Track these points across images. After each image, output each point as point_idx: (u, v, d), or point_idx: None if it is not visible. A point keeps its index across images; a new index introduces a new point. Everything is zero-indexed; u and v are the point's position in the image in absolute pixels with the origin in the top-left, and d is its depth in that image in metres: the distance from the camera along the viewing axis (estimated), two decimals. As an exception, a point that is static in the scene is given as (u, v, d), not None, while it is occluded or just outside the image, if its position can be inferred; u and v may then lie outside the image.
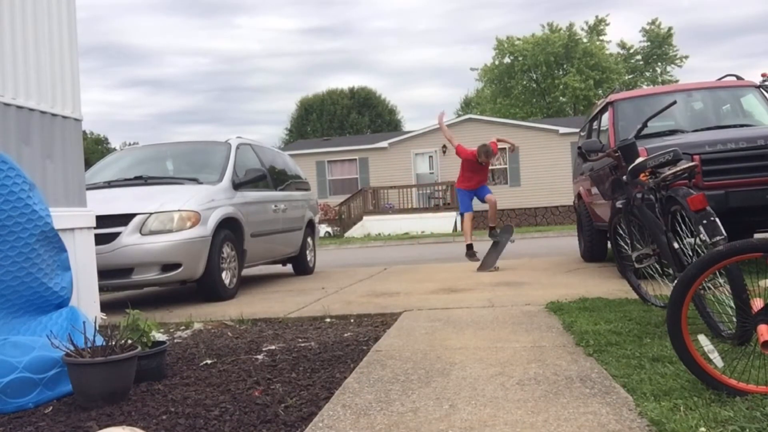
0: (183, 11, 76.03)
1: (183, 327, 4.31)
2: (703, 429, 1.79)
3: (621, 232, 4.16)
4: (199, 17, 76.46)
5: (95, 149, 40.48)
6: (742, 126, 5.86)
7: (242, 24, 75.81)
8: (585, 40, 43.04)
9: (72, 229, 4.05)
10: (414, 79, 79.96)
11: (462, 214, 8.29)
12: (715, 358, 2.32)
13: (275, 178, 7.66)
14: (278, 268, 9.01)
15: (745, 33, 65.17)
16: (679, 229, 3.39)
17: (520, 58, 42.46)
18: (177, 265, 5.40)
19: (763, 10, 58.50)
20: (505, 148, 19.87)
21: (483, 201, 8.14)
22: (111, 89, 73.86)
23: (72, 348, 2.54)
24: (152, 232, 5.38)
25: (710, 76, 60.29)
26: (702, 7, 63.29)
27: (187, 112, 79.99)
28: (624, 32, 77.32)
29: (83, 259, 4.14)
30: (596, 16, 47.35)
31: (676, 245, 3.38)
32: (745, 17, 63.40)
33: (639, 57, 45.39)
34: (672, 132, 5.87)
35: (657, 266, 3.78)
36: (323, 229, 22.66)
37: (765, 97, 6.27)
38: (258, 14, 75.78)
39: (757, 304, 2.22)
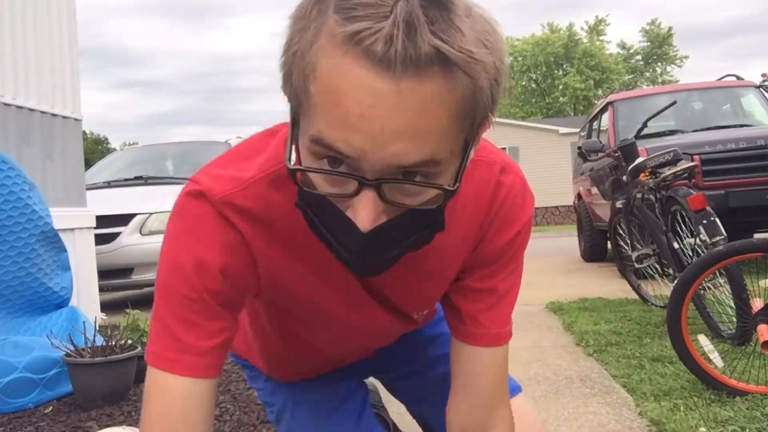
0: (174, 13, 76.04)
1: (183, 327, 4.31)
2: (703, 429, 1.79)
3: (621, 232, 4.16)
4: (190, 19, 76.50)
5: (95, 149, 40.40)
6: (742, 126, 5.86)
7: (233, 26, 76.22)
8: (585, 41, 43.02)
9: (72, 229, 4.05)
10: (413, 79, 79.86)
11: None
12: (715, 358, 2.33)
13: (275, 178, 7.65)
14: (278, 268, 8.99)
15: (734, 34, 65.41)
16: (679, 229, 3.39)
17: (520, 59, 42.44)
18: (177, 265, 5.40)
19: (747, 13, 58.72)
20: None
21: None
22: (104, 91, 73.80)
23: (72, 348, 2.54)
24: (152, 232, 5.38)
25: (705, 76, 60.30)
26: (697, 9, 63.44)
27: (181, 113, 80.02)
28: (624, 32, 77.43)
29: (83, 259, 4.14)
30: (596, 16, 47.42)
31: (676, 245, 3.37)
32: (736, 19, 63.62)
33: (639, 57, 45.38)
34: (672, 132, 5.87)
35: (657, 266, 3.78)
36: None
37: (765, 97, 6.27)
38: (249, 16, 76.19)
39: (757, 304, 2.22)
